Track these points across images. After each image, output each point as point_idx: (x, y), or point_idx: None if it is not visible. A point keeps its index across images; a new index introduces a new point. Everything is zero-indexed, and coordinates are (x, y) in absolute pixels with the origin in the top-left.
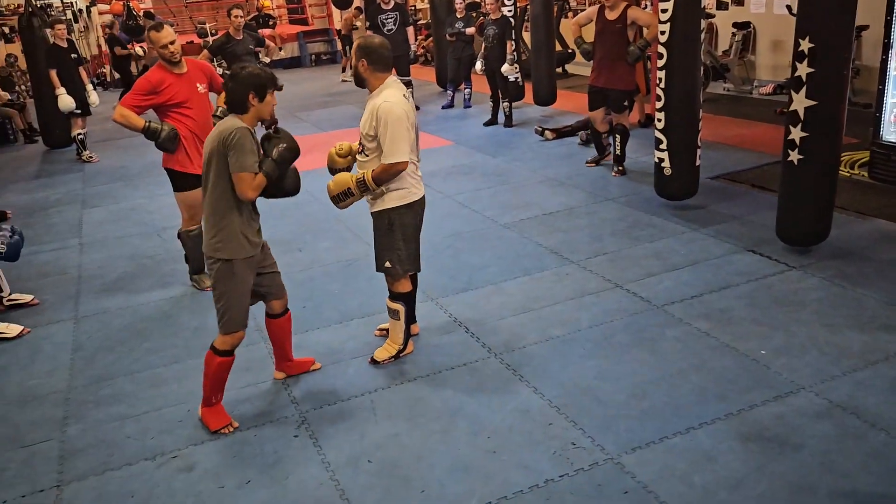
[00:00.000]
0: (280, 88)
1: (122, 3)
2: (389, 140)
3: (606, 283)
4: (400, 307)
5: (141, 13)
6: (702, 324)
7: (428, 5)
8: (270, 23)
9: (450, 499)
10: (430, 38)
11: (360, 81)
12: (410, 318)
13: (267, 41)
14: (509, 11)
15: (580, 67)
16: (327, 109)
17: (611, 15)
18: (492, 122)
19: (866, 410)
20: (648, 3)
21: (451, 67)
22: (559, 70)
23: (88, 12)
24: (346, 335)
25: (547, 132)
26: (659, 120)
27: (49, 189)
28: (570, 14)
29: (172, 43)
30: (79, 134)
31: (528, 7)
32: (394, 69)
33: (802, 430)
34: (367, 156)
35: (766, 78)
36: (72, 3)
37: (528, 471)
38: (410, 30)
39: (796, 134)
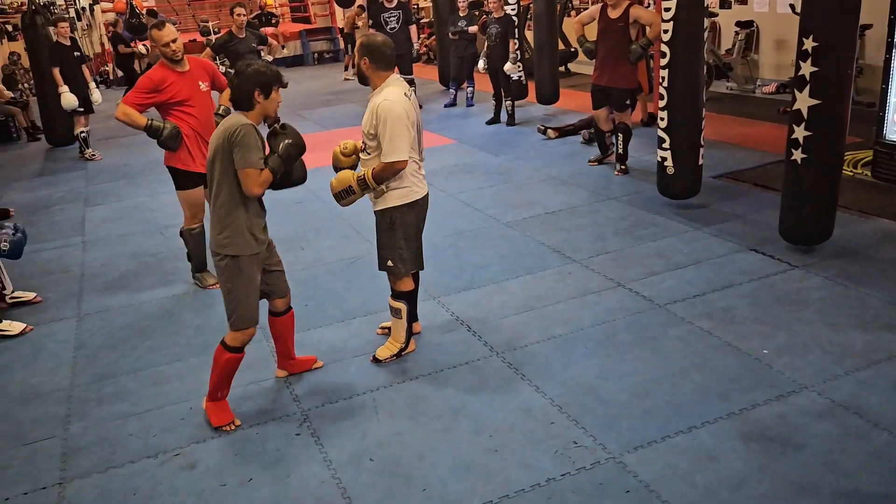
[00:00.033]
0: (285, 85)
1: (125, 1)
2: (389, 139)
3: (609, 282)
4: (402, 306)
5: (144, 11)
6: (704, 323)
7: (431, 4)
8: (273, 21)
9: (451, 497)
10: (433, 37)
11: (363, 79)
12: (412, 317)
13: (270, 39)
14: (512, 10)
15: (583, 66)
16: (330, 108)
17: (613, 13)
18: (494, 120)
19: (869, 410)
20: (651, 2)
21: (454, 66)
22: (562, 69)
23: (91, 10)
24: (349, 333)
25: (549, 131)
26: (662, 119)
27: (52, 187)
28: (572, 12)
29: (174, 41)
30: (81, 132)
31: (531, 5)
32: (397, 67)
33: (805, 430)
34: (369, 154)
35: (769, 77)
36: (75, 0)
37: (529, 470)
38: (413, 28)
39: (799, 133)
